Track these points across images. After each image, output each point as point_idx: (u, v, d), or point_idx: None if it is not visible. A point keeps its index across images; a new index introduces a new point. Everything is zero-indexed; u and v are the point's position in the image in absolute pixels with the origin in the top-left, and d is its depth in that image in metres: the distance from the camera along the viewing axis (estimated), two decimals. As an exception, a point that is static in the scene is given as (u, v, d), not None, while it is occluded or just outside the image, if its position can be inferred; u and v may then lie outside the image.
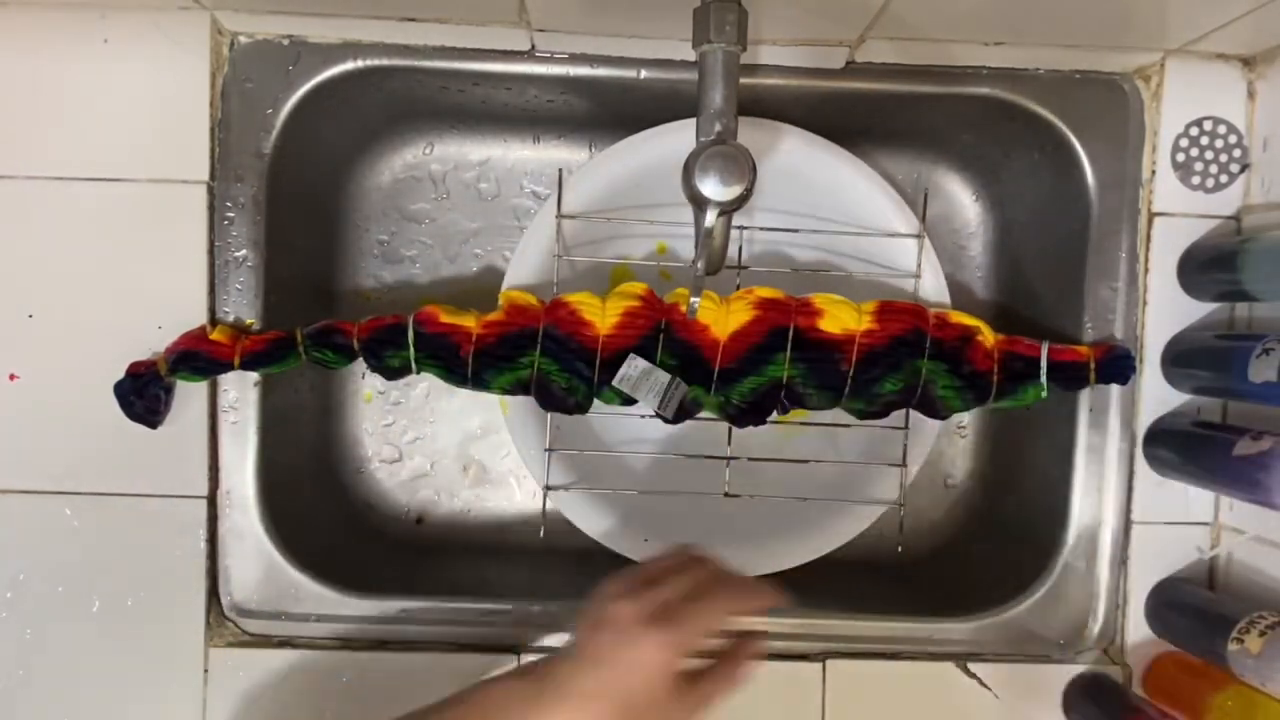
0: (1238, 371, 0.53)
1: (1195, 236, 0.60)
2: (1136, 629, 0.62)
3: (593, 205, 0.63)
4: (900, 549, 0.67)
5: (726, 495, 0.64)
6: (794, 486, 0.65)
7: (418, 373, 0.59)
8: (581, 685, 0.43)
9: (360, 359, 0.58)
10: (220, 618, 0.60)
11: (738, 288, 0.63)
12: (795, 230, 0.63)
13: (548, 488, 0.63)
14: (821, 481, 0.66)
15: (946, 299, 0.63)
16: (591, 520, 0.63)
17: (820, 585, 0.64)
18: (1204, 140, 0.60)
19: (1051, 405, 0.62)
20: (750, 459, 0.63)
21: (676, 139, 0.61)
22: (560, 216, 0.61)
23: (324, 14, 0.57)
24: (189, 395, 0.59)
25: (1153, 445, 0.61)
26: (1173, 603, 0.61)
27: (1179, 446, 0.59)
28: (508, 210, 0.71)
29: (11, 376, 0.58)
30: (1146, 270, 0.61)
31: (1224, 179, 0.60)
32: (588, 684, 0.43)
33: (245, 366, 0.57)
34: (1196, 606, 0.59)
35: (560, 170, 0.62)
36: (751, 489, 0.64)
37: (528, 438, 0.63)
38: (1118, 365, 0.59)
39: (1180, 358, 0.60)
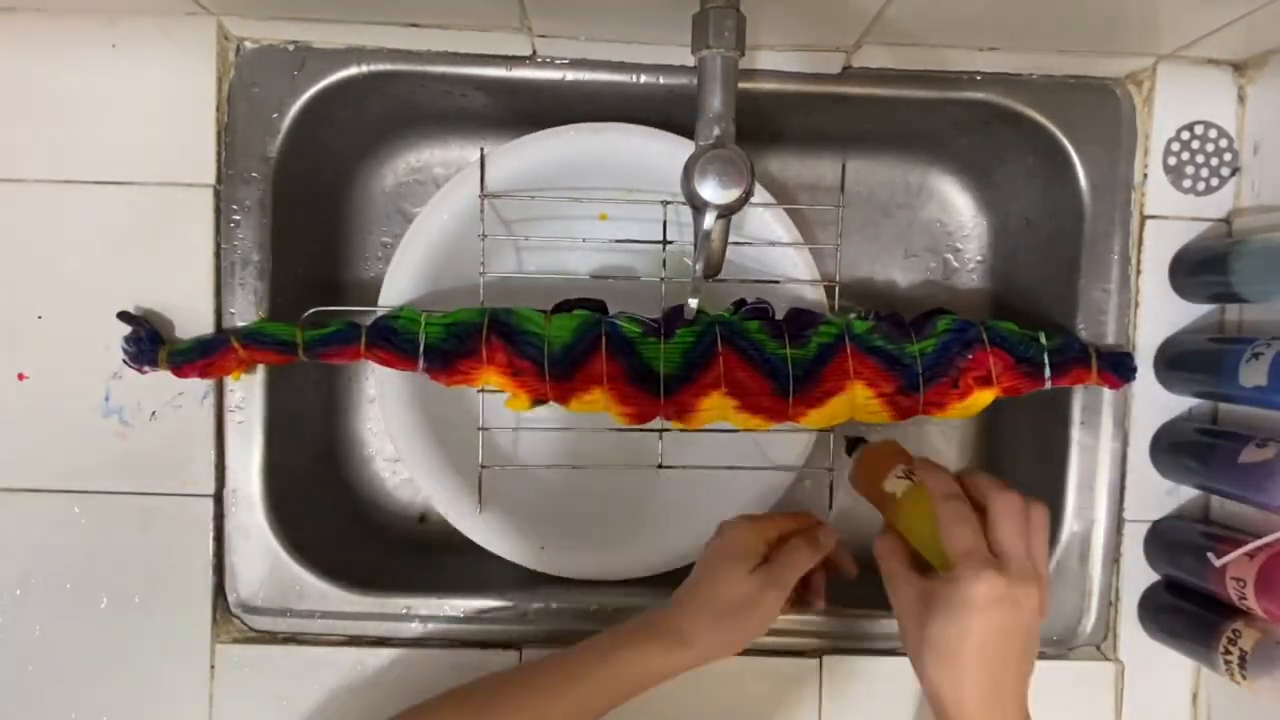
0: (1229, 375, 0.54)
1: (1187, 239, 0.61)
2: (1129, 627, 0.63)
3: (517, 186, 0.62)
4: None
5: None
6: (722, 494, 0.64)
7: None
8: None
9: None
10: (226, 614, 0.60)
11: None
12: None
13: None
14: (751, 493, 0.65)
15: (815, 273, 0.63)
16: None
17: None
18: (1195, 144, 0.61)
19: (1045, 405, 0.63)
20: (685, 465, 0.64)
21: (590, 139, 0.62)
22: (484, 196, 0.60)
23: (328, 20, 0.58)
24: (195, 395, 0.59)
25: (1158, 450, 0.62)
26: (1166, 603, 0.61)
27: (1184, 452, 0.60)
28: (509, 213, 0.72)
29: (20, 376, 0.59)
30: (1139, 272, 0.62)
31: (1215, 182, 0.61)
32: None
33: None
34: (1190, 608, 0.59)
35: (481, 149, 0.61)
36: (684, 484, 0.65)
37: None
38: (1121, 363, 0.60)
39: (1174, 360, 0.61)
